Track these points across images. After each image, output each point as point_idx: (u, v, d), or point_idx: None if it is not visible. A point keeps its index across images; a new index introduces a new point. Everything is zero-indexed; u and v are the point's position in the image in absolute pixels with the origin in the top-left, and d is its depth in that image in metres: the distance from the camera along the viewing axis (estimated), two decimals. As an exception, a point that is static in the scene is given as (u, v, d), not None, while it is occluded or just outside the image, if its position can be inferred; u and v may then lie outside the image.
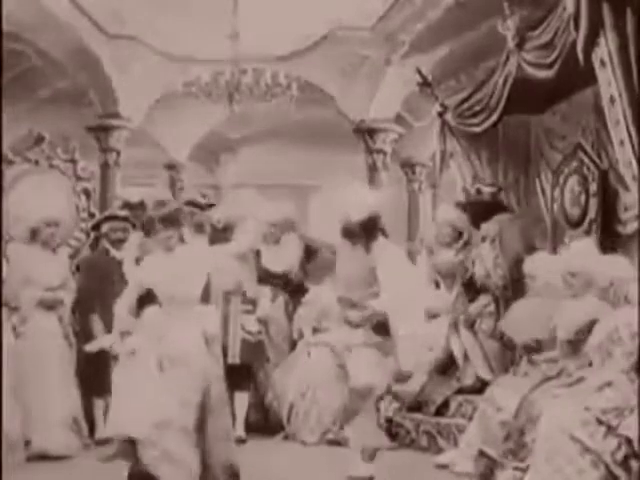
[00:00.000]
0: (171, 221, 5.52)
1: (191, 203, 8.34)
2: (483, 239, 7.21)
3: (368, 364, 5.65)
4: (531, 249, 7.08)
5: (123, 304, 5.61)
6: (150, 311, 5.49)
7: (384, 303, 5.62)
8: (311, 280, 8.33)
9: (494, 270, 7.03)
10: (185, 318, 5.40)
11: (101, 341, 7.10)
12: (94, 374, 7.14)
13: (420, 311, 7.55)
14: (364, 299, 5.67)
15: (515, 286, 6.88)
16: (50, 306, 7.09)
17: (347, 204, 5.79)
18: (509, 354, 6.76)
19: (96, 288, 7.42)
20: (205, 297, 7.51)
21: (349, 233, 5.80)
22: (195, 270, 5.52)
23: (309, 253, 8.34)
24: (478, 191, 7.50)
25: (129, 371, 5.32)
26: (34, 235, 7.21)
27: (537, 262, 6.51)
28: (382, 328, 5.71)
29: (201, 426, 5.22)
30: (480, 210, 7.37)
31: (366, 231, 5.76)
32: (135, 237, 7.57)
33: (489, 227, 7.19)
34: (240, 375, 7.45)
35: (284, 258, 8.09)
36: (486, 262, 7.12)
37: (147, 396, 5.14)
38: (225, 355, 7.39)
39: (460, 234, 7.78)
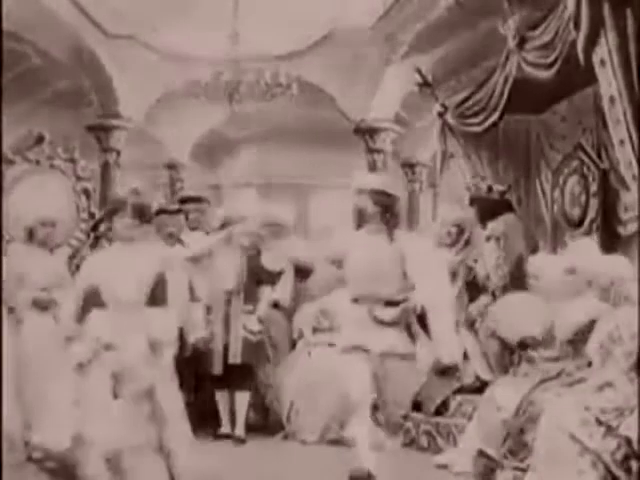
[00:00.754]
0: (140, 212, 5.25)
1: (185, 199, 8.36)
2: (488, 238, 7.21)
3: (408, 390, 5.30)
4: (534, 251, 7.08)
5: (68, 307, 5.34)
6: (95, 315, 5.17)
7: (422, 297, 5.08)
8: (307, 300, 8.33)
9: (495, 270, 7.03)
10: (131, 324, 5.09)
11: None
12: None
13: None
14: (395, 295, 5.15)
15: (516, 286, 6.88)
16: (44, 306, 7.08)
17: (354, 186, 5.33)
18: (509, 354, 6.76)
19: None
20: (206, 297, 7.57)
21: (363, 216, 5.26)
22: (143, 270, 5.21)
23: (302, 274, 8.32)
24: (489, 188, 7.51)
25: (79, 386, 5.12)
26: (31, 235, 7.21)
27: (540, 262, 6.52)
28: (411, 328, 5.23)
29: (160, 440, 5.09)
30: (488, 207, 7.38)
31: (383, 212, 5.24)
32: None
33: (495, 226, 7.19)
34: (241, 375, 7.46)
35: (282, 258, 8.11)
36: (488, 262, 7.12)
37: (102, 422, 4.96)
38: (226, 355, 7.41)
39: (462, 232, 7.78)
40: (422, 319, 5.22)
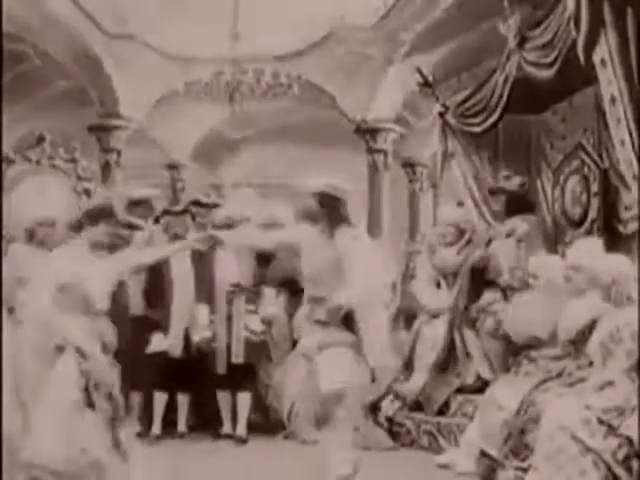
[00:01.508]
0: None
1: (195, 203, 8.37)
2: (508, 236, 7.22)
3: (340, 365, 5.17)
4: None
5: (43, 306, 5.17)
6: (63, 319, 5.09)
7: (350, 296, 5.07)
8: (270, 285, 8.31)
9: (512, 270, 7.03)
10: (92, 328, 5.07)
11: None
12: None
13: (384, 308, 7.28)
14: (331, 293, 5.13)
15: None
16: None
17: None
18: (510, 353, 6.77)
19: None
20: (209, 298, 7.57)
21: (306, 212, 5.33)
22: (110, 277, 5.20)
23: (262, 259, 8.29)
24: (522, 184, 7.53)
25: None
26: (31, 235, 7.21)
27: (540, 261, 6.52)
28: (352, 323, 5.22)
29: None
30: (514, 203, 7.41)
31: (326, 210, 5.24)
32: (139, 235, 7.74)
33: (518, 225, 7.21)
34: (243, 375, 7.46)
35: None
36: (503, 259, 7.12)
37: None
38: (229, 355, 7.42)
39: (462, 233, 7.79)
40: None
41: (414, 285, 8.38)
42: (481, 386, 6.81)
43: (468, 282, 7.38)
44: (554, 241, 7.65)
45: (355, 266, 5.14)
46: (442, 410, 7.09)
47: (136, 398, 7.60)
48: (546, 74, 6.46)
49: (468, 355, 7.21)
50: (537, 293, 6.42)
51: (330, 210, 5.27)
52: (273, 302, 8.00)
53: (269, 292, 7.91)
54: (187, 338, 7.59)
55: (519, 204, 7.44)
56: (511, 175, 7.54)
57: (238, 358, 7.43)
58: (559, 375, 5.74)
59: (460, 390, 7.14)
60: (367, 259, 5.24)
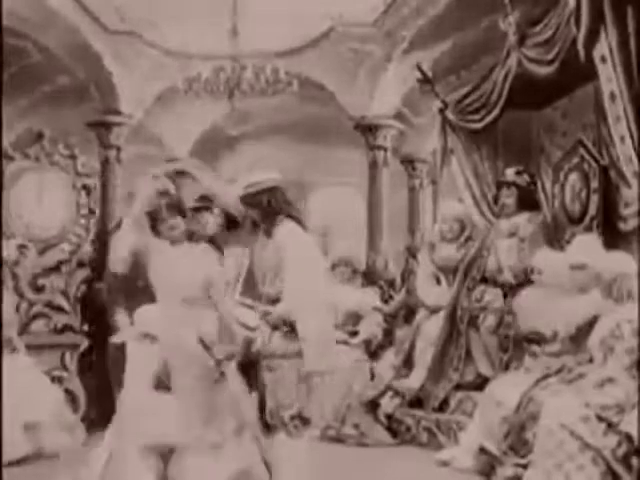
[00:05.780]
0: (176, 209, 5.22)
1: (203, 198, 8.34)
2: (511, 234, 7.23)
3: (290, 389, 5.23)
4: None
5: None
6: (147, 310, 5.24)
7: (287, 305, 4.93)
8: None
9: (513, 268, 7.04)
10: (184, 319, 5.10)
11: (125, 333, 7.28)
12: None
13: (325, 307, 7.06)
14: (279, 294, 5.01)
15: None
16: None
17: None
18: (510, 350, 6.78)
19: (123, 282, 7.58)
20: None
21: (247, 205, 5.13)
22: (196, 268, 5.13)
23: (230, 222, 8.20)
24: (531, 182, 7.54)
25: None
26: None
27: (544, 257, 6.52)
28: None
29: None
30: (524, 197, 7.42)
31: (262, 209, 5.03)
32: None
33: (522, 225, 7.21)
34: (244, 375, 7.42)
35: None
36: (504, 258, 7.11)
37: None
38: None
39: (462, 229, 7.80)
40: None
41: (414, 281, 8.38)
42: (481, 383, 6.82)
43: (468, 279, 7.38)
44: (554, 238, 7.67)
45: (292, 267, 4.95)
46: (442, 407, 7.10)
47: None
48: (546, 71, 6.47)
49: (468, 352, 7.22)
50: (541, 288, 6.42)
51: (266, 207, 5.08)
52: None
53: None
54: None
55: (528, 200, 7.46)
56: (522, 170, 7.54)
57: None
58: (559, 371, 5.75)
59: (459, 387, 7.14)
60: (305, 258, 5.04)
